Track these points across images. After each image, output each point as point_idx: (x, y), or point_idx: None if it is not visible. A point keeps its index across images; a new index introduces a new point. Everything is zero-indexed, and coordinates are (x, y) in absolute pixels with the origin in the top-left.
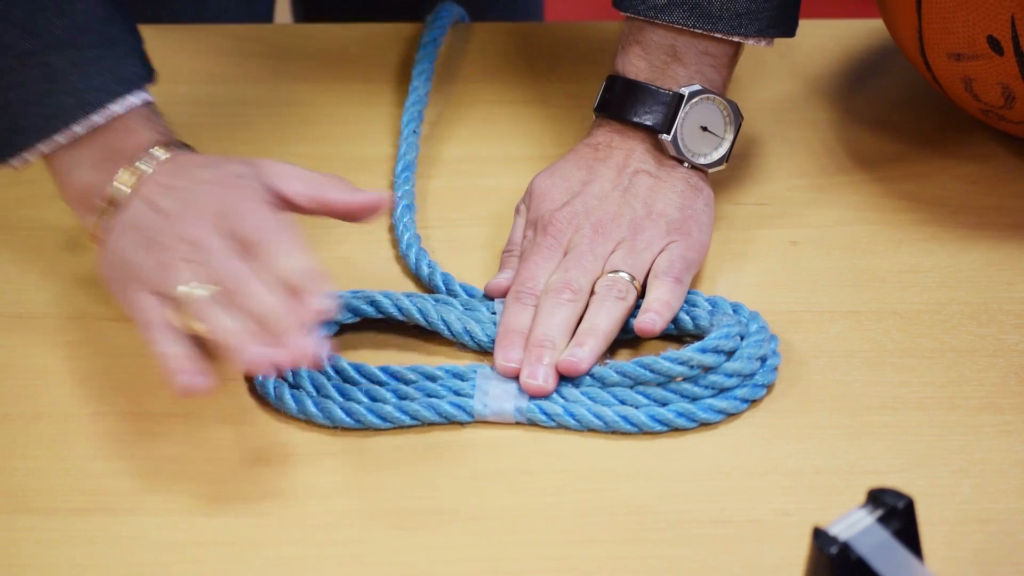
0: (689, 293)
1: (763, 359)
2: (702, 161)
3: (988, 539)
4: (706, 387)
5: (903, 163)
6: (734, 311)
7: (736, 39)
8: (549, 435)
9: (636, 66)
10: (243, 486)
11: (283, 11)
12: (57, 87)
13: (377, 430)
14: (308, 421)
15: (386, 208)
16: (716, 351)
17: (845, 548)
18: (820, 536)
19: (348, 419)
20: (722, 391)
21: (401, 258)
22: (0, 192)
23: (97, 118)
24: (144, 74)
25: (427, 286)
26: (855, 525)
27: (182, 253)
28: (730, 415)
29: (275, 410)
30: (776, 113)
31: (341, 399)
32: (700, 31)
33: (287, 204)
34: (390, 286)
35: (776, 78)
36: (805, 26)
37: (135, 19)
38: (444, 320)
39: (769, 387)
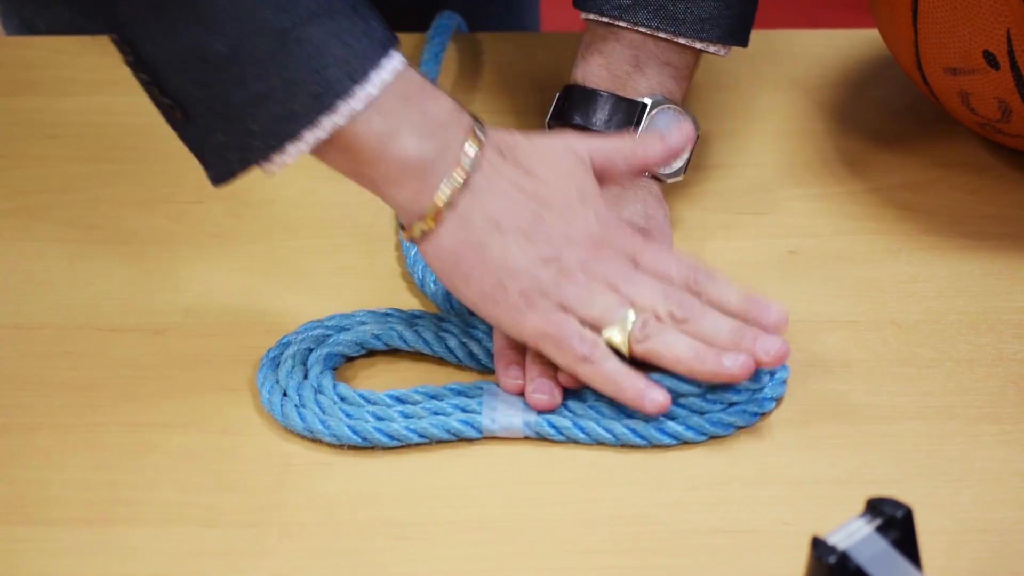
0: None
1: (771, 372)
2: (663, 171)
3: (986, 549)
4: (714, 401)
5: (901, 173)
6: None
7: (698, 45)
8: (547, 446)
9: (597, 75)
10: (242, 497)
11: None
12: (323, 61)
13: (383, 448)
14: (314, 439)
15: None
16: None
17: (844, 557)
18: (819, 545)
19: (355, 437)
20: (731, 405)
21: (408, 274)
22: None
23: (371, 89)
24: (392, 35)
25: (432, 302)
26: (854, 534)
27: (596, 274)
28: (740, 428)
29: (275, 421)
30: (774, 123)
31: (347, 419)
32: (664, 35)
33: (606, 179)
34: (397, 302)
35: (773, 88)
36: (802, 35)
37: None
38: (448, 347)
39: (779, 399)
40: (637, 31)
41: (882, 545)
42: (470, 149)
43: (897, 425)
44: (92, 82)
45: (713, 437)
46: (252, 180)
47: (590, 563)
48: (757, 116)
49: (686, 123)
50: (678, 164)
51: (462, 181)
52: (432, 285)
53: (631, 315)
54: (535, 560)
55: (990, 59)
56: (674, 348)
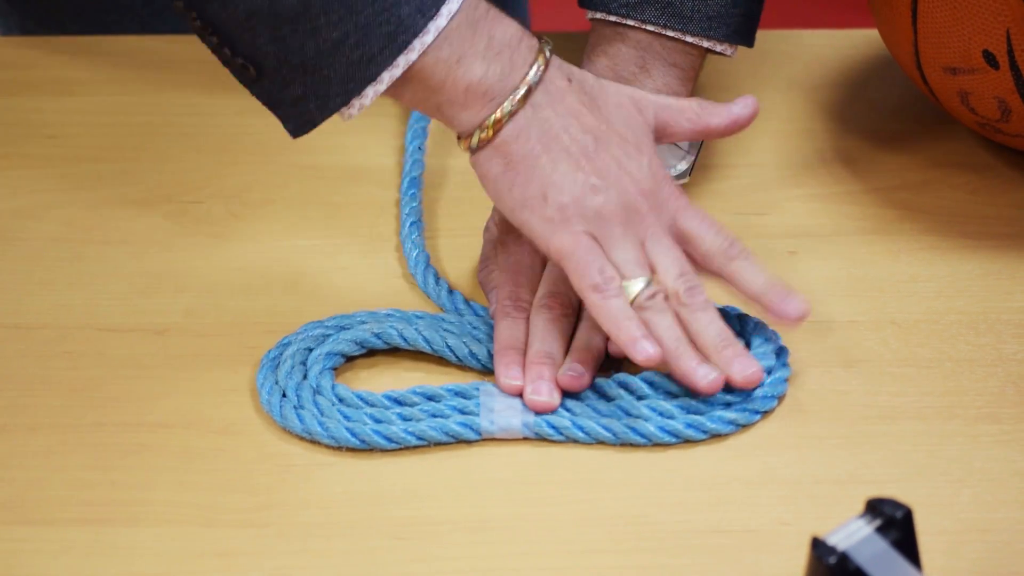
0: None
1: (770, 371)
2: (670, 172)
3: (987, 549)
4: (712, 401)
5: (901, 173)
6: (740, 322)
7: (706, 44)
8: (546, 446)
9: (603, 76)
10: (242, 497)
11: None
12: (389, 0)
13: (381, 450)
14: (313, 440)
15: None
16: None
17: (844, 558)
18: (819, 546)
19: (353, 439)
20: (727, 405)
21: (409, 275)
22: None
23: (441, 21)
24: None
25: (436, 304)
26: (854, 535)
27: (631, 223)
28: (742, 426)
29: (275, 422)
30: (774, 122)
31: (346, 421)
32: (672, 33)
33: (664, 136)
34: (400, 304)
35: (773, 88)
36: (803, 35)
37: (135, 27)
38: (449, 346)
39: (781, 397)
40: (644, 30)
41: (882, 545)
42: (536, 69)
43: (897, 425)
44: (92, 82)
45: (715, 435)
46: (251, 181)
47: (590, 563)
48: (758, 115)
49: (750, 97)
50: (684, 166)
51: (524, 94)
52: (434, 287)
53: (642, 282)
54: (534, 560)
55: (990, 59)
56: (661, 331)
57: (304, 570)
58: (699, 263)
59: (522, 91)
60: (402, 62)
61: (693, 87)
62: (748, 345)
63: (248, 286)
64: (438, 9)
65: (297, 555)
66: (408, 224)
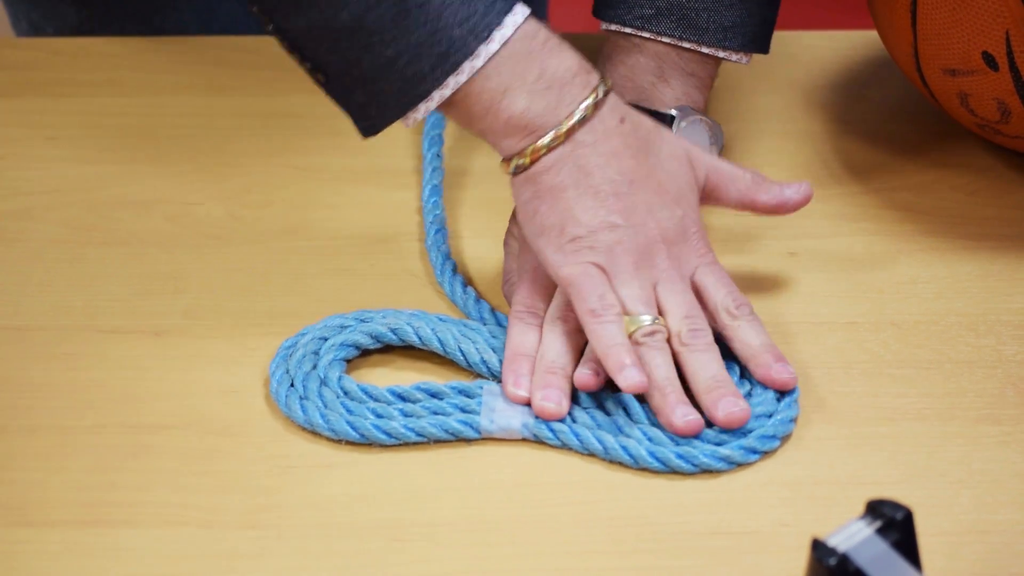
0: None
1: (770, 415)
2: None
3: (987, 550)
4: (703, 439)
5: (901, 174)
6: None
7: (721, 54)
8: (546, 448)
9: (621, 87)
10: (242, 498)
11: None
12: (446, 22)
13: (381, 446)
14: (313, 432)
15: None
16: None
17: (844, 559)
18: (819, 547)
19: (353, 433)
20: (719, 444)
21: (436, 283)
22: None
23: (493, 46)
24: None
25: (462, 312)
26: (854, 536)
27: (644, 265)
28: (736, 464)
29: (275, 422)
30: (773, 123)
31: (347, 414)
32: (688, 45)
33: (711, 199)
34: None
35: (773, 88)
36: (802, 37)
37: (143, 30)
38: (462, 350)
39: (785, 438)
40: (661, 42)
41: (882, 547)
42: (584, 106)
43: (897, 426)
44: (92, 83)
45: (705, 471)
46: (251, 182)
47: (589, 564)
48: (757, 116)
49: (805, 183)
50: None
51: (566, 130)
52: (461, 296)
53: (646, 319)
54: (534, 561)
55: (989, 60)
56: (652, 367)
57: (304, 571)
58: (706, 317)
59: (564, 127)
60: (452, 83)
61: (709, 93)
62: (751, 391)
63: (247, 287)
64: (490, 34)
65: (297, 556)
66: (433, 232)
